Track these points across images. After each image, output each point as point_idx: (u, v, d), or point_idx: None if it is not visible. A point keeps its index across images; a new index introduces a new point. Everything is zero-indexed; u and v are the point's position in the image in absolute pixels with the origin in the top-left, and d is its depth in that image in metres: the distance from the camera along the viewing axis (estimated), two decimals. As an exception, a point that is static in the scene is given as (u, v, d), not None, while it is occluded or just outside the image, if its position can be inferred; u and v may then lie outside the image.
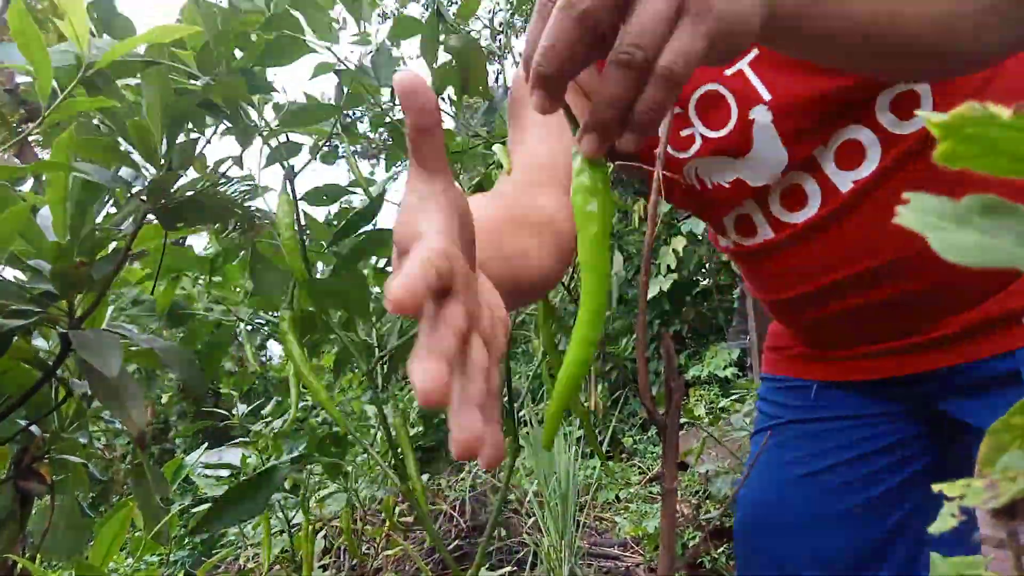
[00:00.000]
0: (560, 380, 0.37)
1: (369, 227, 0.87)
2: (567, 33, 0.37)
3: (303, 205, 0.94)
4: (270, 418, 2.21)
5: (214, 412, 2.45)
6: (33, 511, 0.88)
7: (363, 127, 1.32)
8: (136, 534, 2.20)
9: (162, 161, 0.76)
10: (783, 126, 0.70)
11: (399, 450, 1.04)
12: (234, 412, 2.27)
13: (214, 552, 2.43)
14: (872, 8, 0.51)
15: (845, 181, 0.69)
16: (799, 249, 0.74)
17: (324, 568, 2.33)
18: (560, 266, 0.65)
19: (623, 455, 4.34)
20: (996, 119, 0.17)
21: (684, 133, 0.75)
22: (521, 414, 3.81)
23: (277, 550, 2.06)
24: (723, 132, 0.73)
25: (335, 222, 1.16)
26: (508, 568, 2.39)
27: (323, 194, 1.00)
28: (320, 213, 1.18)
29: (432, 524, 2.80)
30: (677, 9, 0.37)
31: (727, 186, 0.75)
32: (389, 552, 2.39)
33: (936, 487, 0.19)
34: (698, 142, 0.75)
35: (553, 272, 0.64)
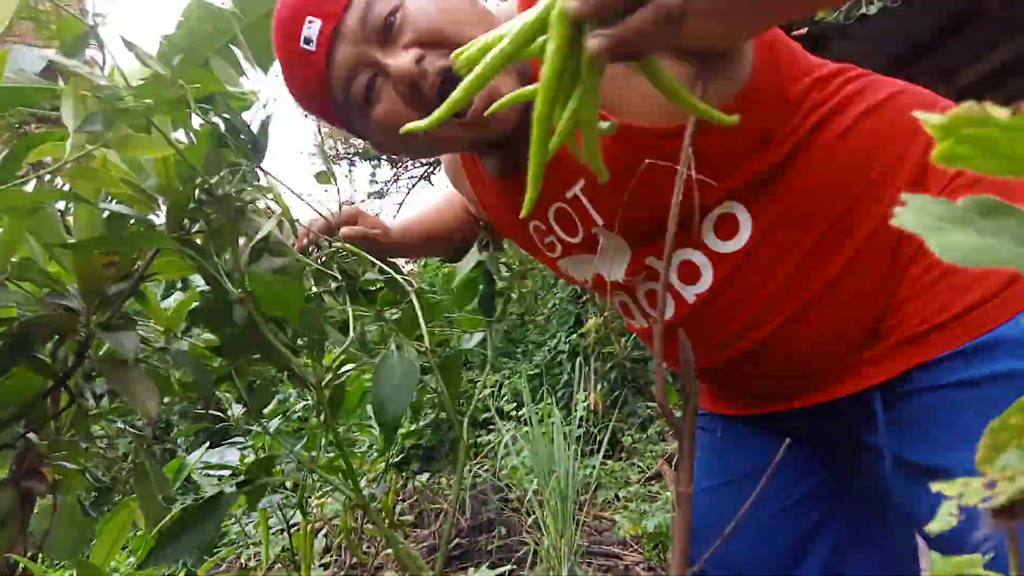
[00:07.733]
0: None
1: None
2: None
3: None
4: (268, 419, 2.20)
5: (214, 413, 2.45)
6: (35, 510, 0.88)
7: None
8: (137, 534, 2.20)
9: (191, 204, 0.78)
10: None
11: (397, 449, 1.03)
12: (229, 413, 2.26)
13: (215, 551, 2.43)
14: None
15: (689, 294, 0.77)
16: None
17: (325, 567, 2.33)
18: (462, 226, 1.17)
19: (623, 454, 4.34)
20: (994, 119, 0.17)
21: (547, 240, 0.87)
22: (521, 413, 3.80)
23: (277, 549, 2.06)
24: (576, 239, 0.83)
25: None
26: (508, 567, 2.39)
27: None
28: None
29: (432, 523, 2.80)
30: None
31: (589, 281, 0.87)
32: (390, 551, 2.39)
33: (935, 486, 0.19)
34: (559, 247, 0.87)
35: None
